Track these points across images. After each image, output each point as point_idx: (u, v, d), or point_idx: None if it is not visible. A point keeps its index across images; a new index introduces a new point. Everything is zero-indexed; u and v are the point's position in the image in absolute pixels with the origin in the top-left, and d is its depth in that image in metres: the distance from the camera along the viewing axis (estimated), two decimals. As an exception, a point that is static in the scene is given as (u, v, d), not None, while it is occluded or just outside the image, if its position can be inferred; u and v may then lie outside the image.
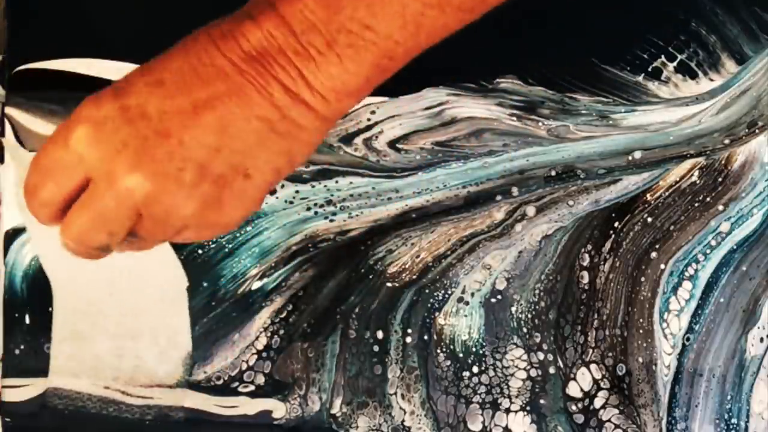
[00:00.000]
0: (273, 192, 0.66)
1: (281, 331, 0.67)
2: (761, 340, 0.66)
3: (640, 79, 0.67)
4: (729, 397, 0.66)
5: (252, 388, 0.66)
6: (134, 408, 0.66)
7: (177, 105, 0.49)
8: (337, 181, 0.67)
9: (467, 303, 0.67)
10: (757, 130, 0.67)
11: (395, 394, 0.67)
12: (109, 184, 0.49)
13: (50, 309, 0.66)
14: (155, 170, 0.49)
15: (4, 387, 0.67)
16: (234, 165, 0.50)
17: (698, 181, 0.67)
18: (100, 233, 0.51)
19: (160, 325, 0.65)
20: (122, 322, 0.65)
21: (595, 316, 0.66)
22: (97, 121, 0.49)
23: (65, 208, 0.51)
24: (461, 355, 0.67)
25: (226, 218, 0.51)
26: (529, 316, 0.67)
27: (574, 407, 0.66)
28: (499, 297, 0.67)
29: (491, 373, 0.67)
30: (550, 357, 0.66)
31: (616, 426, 0.66)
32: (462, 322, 0.67)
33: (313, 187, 0.67)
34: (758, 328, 0.66)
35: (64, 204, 0.51)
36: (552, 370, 0.66)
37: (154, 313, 0.65)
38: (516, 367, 0.66)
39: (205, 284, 0.67)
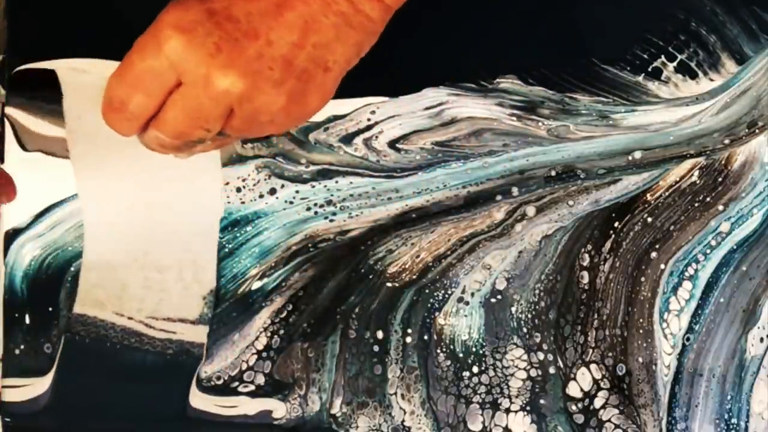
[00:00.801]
0: (273, 192, 0.66)
1: (281, 331, 0.67)
2: (761, 340, 0.66)
3: (640, 79, 0.67)
4: (729, 397, 0.66)
5: (252, 388, 0.67)
6: (156, 341, 0.65)
7: (261, 6, 0.52)
8: (337, 181, 0.67)
9: (467, 303, 0.67)
10: (757, 130, 0.67)
11: (395, 394, 0.67)
12: (205, 86, 0.52)
13: (50, 309, 0.66)
14: (247, 70, 0.52)
15: (4, 387, 0.67)
16: (316, 59, 0.53)
17: (698, 181, 0.67)
18: (197, 129, 0.54)
19: (188, 259, 0.65)
20: (151, 254, 0.65)
21: (595, 316, 0.66)
22: (187, 27, 0.52)
23: (151, 118, 0.54)
24: (461, 355, 0.67)
25: (307, 110, 0.55)
26: (529, 316, 0.67)
27: (574, 407, 0.66)
28: (499, 297, 0.67)
29: (491, 373, 0.67)
30: (550, 357, 0.66)
31: (616, 426, 0.66)
32: (462, 322, 0.67)
33: (313, 187, 0.67)
34: (758, 328, 0.66)
35: (153, 113, 0.54)
36: (552, 370, 0.66)
37: (183, 247, 0.65)
38: (516, 367, 0.66)
39: (205, 284, 0.67)
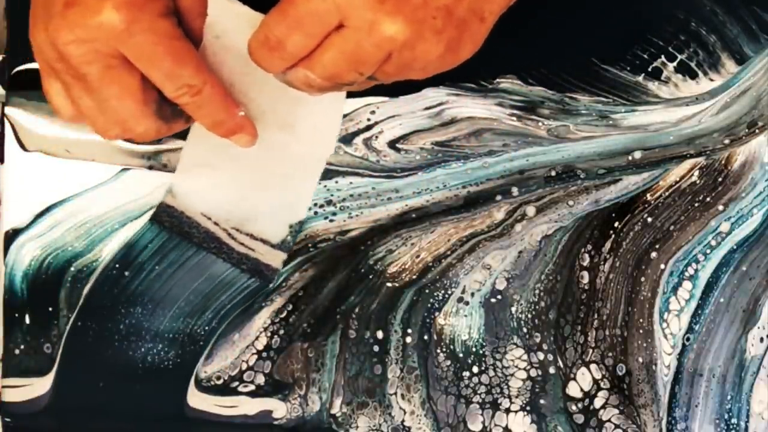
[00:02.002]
0: (273, 192, 0.67)
1: (281, 331, 0.67)
2: (761, 340, 0.66)
3: (640, 79, 0.67)
4: (729, 397, 0.66)
5: (252, 388, 0.67)
6: (234, 253, 0.65)
7: None
8: (337, 181, 0.67)
9: (467, 303, 0.67)
10: (757, 130, 0.67)
11: (395, 394, 0.67)
12: (370, 30, 0.52)
13: (50, 309, 0.66)
14: (413, 18, 0.52)
15: (4, 387, 0.67)
16: (474, 9, 0.54)
17: (698, 181, 0.67)
18: (351, 73, 0.54)
19: (288, 185, 0.65)
20: (255, 169, 0.64)
21: (595, 316, 0.66)
22: None
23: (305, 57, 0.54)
24: (461, 355, 0.67)
25: (459, 58, 0.55)
26: (529, 316, 0.67)
27: (574, 407, 0.66)
28: (499, 297, 0.67)
29: (491, 373, 0.67)
30: (550, 357, 0.66)
31: (616, 426, 0.66)
32: (462, 322, 0.67)
33: (313, 187, 0.67)
34: (758, 328, 0.66)
35: (308, 53, 0.53)
36: (552, 370, 0.66)
37: (287, 172, 0.64)
38: (516, 367, 0.66)
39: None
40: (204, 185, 0.65)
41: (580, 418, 0.66)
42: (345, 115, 0.67)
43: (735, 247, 0.66)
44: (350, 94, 0.65)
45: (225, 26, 0.57)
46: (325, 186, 0.67)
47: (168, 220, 0.65)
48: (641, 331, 0.66)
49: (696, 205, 0.67)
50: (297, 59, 0.54)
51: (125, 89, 0.55)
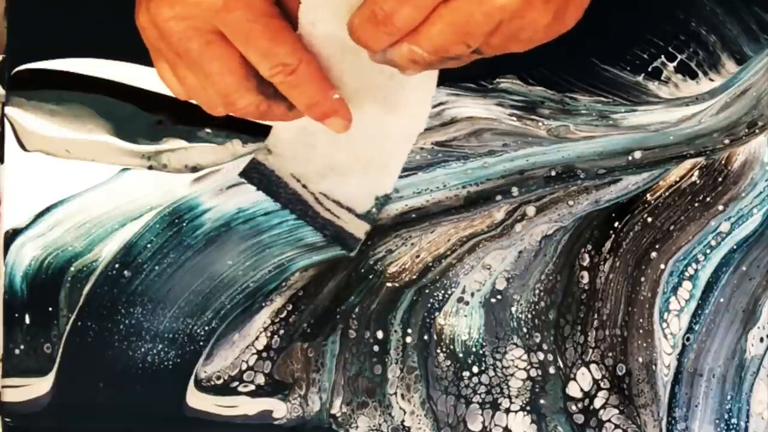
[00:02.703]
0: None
1: (281, 331, 0.67)
2: (761, 340, 0.66)
3: (640, 79, 0.67)
4: (729, 397, 0.66)
5: (252, 388, 0.67)
6: (319, 218, 0.65)
7: None
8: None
9: (467, 303, 0.67)
10: (757, 130, 0.67)
11: (395, 394, 0.67)
12: (481, 0, 0.51)
13: (50, 309, 0.66)
14: None
15: (4, 387, 0.67)
16: None
17: (698, 181, 0.67)
18: (458, 45, 0.53)
19: (378, 158, 0.64)
20: (349, 139, 0.62)
21: (595, 316, 0.66)
22: None
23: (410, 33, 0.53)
24: (461, 355, 0.67)
25: (563, 27, 0.54)
26: (529, 316, 0.67)
27: (574, 407, 0.66)
28: (499, 297, 0.67)
29: (491, 373, 0.67)
30: (550, 357, 0.66)
31: (616, 426, 0.66)
32: (462, 322, 0.67)
33: (313, 187, 0.67)
34: (758, 328, 0.66)
35: (415, 27, 0.52)
36: (552, 370, 0.66)
37: (379, 146, 0.63)
38: (516, 367, 0.66)
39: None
40: (298, 147, 0.64)
41: (580, 418, 0.66)
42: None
43: (735, 247, 0.66)
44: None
45: (320, 11, 0.57)
46: (325, 186, 0.67)
47: (257, 177, 0.65)
48: (641, 331, 0.66)
49: (696, 205, 0.67)
50: (403, 34, 0.53)
51: (225, 64, 0.55)
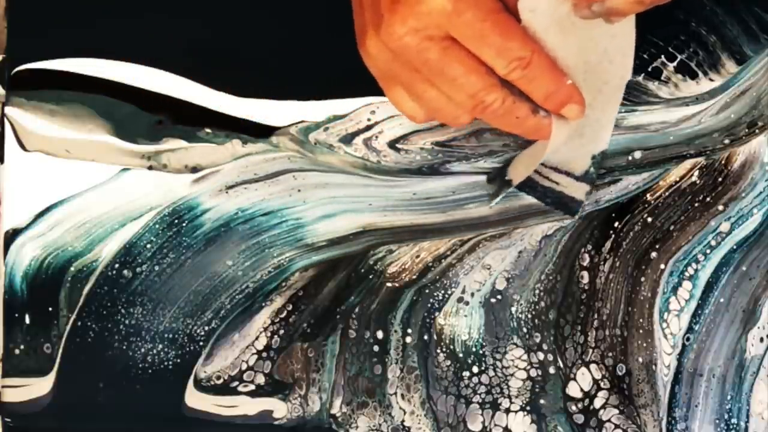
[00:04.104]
0: (273, 192, 0.67)
1: (281, 331, 0.67)
2: (761, 340, 0.66)
3: (640, 79, 0.67)
4: (729, 397, 0.66)
5: (252, 387, 0.67)
6: (538, 187, 0.65)
7: None
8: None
9: (467, 303, 0.67)
10: (757, 130, 0.67)
11: (395, 394, 0.67)
12: None
13: (50, 309, 0.66)
14: None
15: (4, 387, 0.67)
16: None
17: (698, 181, 0.67)
18: None
19: (592, 116, 0.62)
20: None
21: (595, 316, 0.66)
22: None
23: None
24: (461, 355, 0.67)
25: None
26: (529, 316, 0.67)
27: (574, 407, 0.66)
28: (499, 297, 0.67)
29: (491, 373, 0.67)
30: (550, 357, 0.66)
31: (616, 426, 0.66)
32: (462, 322, 0.67)
33: (313, 187, 0.67)
34: (758, 328, 0.66)
35: None
36: (552, 370, 0.66)
37: (589, 102, 0.60)
38: (516, 367, 0.66)
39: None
40: None
41: (580, 418, 0.66)
42: (345, 115, 0.67)
43: (735, 247, 0.66)
44: (348, 94, 0.65)
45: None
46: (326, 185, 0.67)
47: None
48: (641, 331, 0.66)
49: (696, 205, 0.67)
50: None
51: (467, 65, 0.55)
